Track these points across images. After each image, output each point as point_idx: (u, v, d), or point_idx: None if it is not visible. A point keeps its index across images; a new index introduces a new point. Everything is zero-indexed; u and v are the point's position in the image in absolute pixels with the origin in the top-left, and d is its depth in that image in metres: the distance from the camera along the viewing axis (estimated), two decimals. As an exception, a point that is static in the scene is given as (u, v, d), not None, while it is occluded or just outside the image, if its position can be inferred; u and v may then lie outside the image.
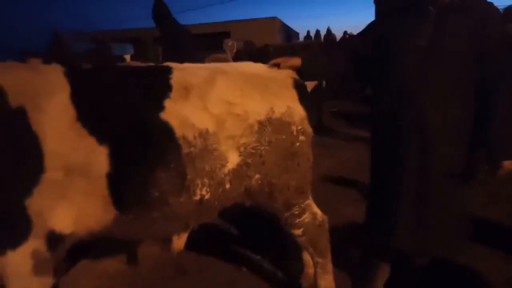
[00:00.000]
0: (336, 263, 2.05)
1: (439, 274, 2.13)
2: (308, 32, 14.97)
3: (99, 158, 1.37)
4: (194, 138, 1.51)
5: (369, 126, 2.02)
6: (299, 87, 1.78)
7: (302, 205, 1.80)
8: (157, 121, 1.46)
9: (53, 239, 1.34)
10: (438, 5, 1.70)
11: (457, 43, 1.66)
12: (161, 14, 3.69)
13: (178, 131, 1.48)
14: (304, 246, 1.92)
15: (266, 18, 22.96)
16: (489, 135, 1.68)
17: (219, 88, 1.59)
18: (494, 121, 1.67)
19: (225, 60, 5.39)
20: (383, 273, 2.02)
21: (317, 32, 14.09)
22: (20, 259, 1.29)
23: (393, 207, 1.81)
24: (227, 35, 23.15)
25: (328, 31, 11.70)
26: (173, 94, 1.52)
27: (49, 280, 1.39)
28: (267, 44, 11.40)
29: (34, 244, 1.30)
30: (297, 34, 25.96)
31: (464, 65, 1.67)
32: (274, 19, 23.22)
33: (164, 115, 1.47)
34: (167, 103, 1.49)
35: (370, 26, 1.95)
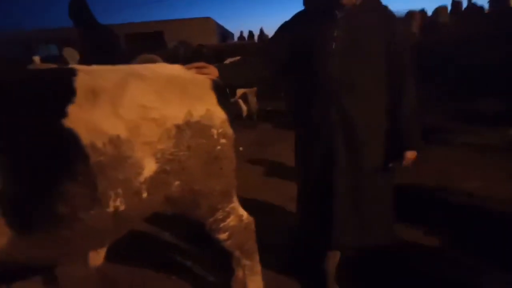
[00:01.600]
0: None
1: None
2: (241, 32, 15.07)
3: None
4: (104, 145, 1.39)
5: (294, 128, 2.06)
6: (218, 89, 1.74)
7: (226, 208, 1.76)
8: (60, 128, 1.33)
9: None
10: (343, 9, 1.78)
11: (368, 42, 1.78)
12: (79, 12, 3.43)
13: (85, 139, 1.36)
14: (230, 250, 1.89)
15: (200, 18, 22.75)
16: (396, 126, 1.80)
17: (132, 92, 1.49)
18: (400, 112, 1.82)
19: (155, 61, 5.19)
20: (332, 258, 2.09)
21: (250, 32, 14.22)
22: None
23: (326, 206, 1.87)
24: (160, 34, 22.57)
25: (261, 31, 11.86)
26: (78, 98, 1.39)
27: None
28: (201, 44, 11.25)
29: None
30: (232, 34, 26.04)
31: (377, 62, 1.79)
32: (208, 19, 23.08)
33: (68, 122, 1.34)
34: (71, 108, 1.36)
35: (282, 30, 1.98)
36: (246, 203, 1.95)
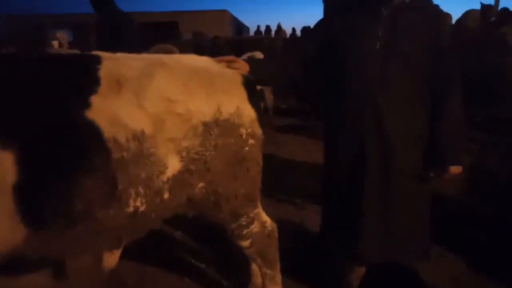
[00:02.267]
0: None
1: (383, 274, 2.11)
2: (258, 27, 14.84)
3: (3, 165, 1.11)
4: (127, 140, 1.28)
5: (324, 132, 1.93)
6: (249, 86, 1.61)
7: (250, 214, 1.65)
8: (81, 120, 1.22)
9: None
10: (390, 6, 1.64)
11: (412, 44, 1.64)
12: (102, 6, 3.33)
13: (107, 133, 1.25)
14: (251, 258, 1.77)
15: (216, 10, 22.58)
16: (438, 138, 1.67)
17: (158, 83, 1.38)
18: (443, 124, 1.67)
19: (171, 51, 5.08)
20: (357, 271, 1.97)
21: (267, 27, 14.02)
22: None
23: (354, 216, 1.74)
24: (175, 25, 22.46)
25: (279, 27, 11.68)
26: (102, 88, 1.28)
27: None
28: (217, 36, 11.10)
29: None
30: (247, 28, 25.86)
31: (420, 66, 1.64)
32: (224, 11, 22.89)
33: (90, 113, 1.24)
34: (94, 99, 1.26)
35: (317, 26, 1.85)
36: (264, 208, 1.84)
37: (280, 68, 1.85)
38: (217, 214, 1.59)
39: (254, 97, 1.63)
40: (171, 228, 2.83)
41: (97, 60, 1.34)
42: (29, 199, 1.16)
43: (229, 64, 1.65)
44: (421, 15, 1.65)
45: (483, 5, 6.00)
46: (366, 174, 1.69)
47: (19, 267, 2.10)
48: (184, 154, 1.41)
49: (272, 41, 10.35)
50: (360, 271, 1.95)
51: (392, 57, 1.62)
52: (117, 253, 1.57)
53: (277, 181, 3.91)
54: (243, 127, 1.53)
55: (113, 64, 1.36)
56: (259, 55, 5.53)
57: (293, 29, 11.88)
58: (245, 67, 1.68)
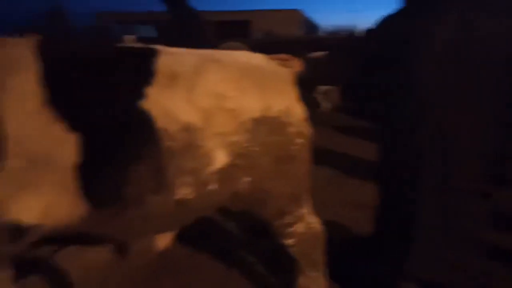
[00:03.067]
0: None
1: None
2: (331, 27, 14.55)
3: (68, 146, 1.23)
4: (177, 131, 1.35)
5: (377, 138, 1.84)
6: (301, 84, 1.60)
7: (296, 213, 1.63)
8: (136, 109, 1.30)
9: (16, 229, 1.21)
10: (462, 7, 1.50)
11: (485, 52, 1.47)
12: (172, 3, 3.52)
13: (159, 123, 1.32)
14: (296, 257, 1.76)
15: (288, 9, 22.61)
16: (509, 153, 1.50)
17: (210, 78, 1.42)
18: None
19: (240, 49, 5.20)
20: None
21: (341, 28, 13.71)
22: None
23: (407, 230, 1.64)
24: (247, 24, 22.95)
25: (352, 27, 11.35)
26: (157, 80, 1.36)
27: (7, 273, 1.27)
28: (289, 35, 11.14)
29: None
30: (320, 28, 25.53)
31: (493, 74, 1.48)
32: (296, 11, 22.84)
33: (145, 104, 1.31)
34: (150, 90, 1.33)
35: (380, 26, 1.76)
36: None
37: (338, 69, 1.80)
38: (261, 210, 1.60)
39: (306, 96, 1.61)
40: (224, 219, 2.91)
41: (155, 54, 1.42)
42: (88, 179, 1.27)
43: (283, 62, 1.65)
44: (500, 21, 1.47)
45: None
46: (424, 187, 1.58)
47: (83, 242, 2.32)
48: (231, 148, 1.44)
49: (343, 41, 10.09)
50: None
51: (462, 62, 1.48)
52: (168, 238, 1.65)
53: (330, 182, 3.83)
54: (291, 126, 1.52)
55: (169, 58, 1.43)
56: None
57: (352, 27, 11.35)
58: (299, 66, 1.66)
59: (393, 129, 1.69)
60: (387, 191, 1.76)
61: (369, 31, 1.83)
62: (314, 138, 1.66)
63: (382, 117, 1.83)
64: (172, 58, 1.44)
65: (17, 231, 1.23)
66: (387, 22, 1.75)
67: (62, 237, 1.53)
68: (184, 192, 1.40)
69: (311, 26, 24.09)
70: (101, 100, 1.29)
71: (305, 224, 1.67)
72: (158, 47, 1.50)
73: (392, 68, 1.67)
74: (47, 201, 1.25)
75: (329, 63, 1.86)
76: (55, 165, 1.22)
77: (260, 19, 22.11)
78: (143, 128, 1.31)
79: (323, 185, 3.69)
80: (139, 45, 1.82)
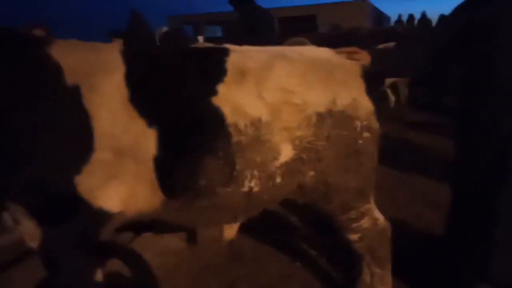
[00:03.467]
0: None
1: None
2: (400, 16, 13.74)
3: (148, 140, 1.36)
4: (246, 126, 1.42)
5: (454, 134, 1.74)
6: (368, 77, 1.58)
7: (361, 209, 1.62)
8: (209, 106, 1.40)
9: (101, 216, 1.37)
10: None
11: None
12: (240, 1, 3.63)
13: (229, 118, 1.40)
14: (361, 253, 1.74)
15: (354, 1, 21.83)
16: None
17: (277, 74, 1.47)
18: None
19: (304, 44, 5.19)
20: None
21: (410, 16, 12.86)
22: (68, 234, 1.34)
23: (488, 229, 1.55)
24: (313, 18, 22.62)
25: (423, 15, 10.61)
26: (227, 78, 1.44)
27: (95, 257, 1.44)
28: (355, 27, 10.78)
29: (82, 221, 1.34)
30: (388, 18, 24.33)
31: None
32: (363, 1, 21.98)
33: (216, 100, 1.40)
34: (221, 87, 1.42)
35: (455, 14, 1.63)
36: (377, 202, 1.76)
37: (407, 60, 1.72)
38: (326, 204, 1.61)
39: (373, 89, 1.59)
40: (289, 212, 2.96)
41: (225, 53, 1.50)
42: (165, 171, 1.39)
43: (349, 55, 1.63)
44: None
45: None
46: (505, 187, 1.47)
47: (159, 230, 2.52)
48: (297, 142, 1.47)
49: (413, 31, 9.53)
50: None
51: None
52: (235, 228, 1.74)
53: (401, 179, 3.67)
54: (358, 120, 1.51)
55: (239, 56, 1.51)
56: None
57: (424, 16, 10.45)
58: (366, 58, 1.63)
59: (474, 124, 1.58)
60: (466, 191, 1.66)
61: (443, 19, 1.73)
62: (382, 133, 1.63)
63: (460, 112, 1.72)
64: (241, 56, 1.51)
65: (104, 217, 1.40)
66: (466, 10, 1.64)
67: (140, 224, 1.70)
68: (251, 184, 1.47)
69: (379, 17, 23.04)
70: (177, 98, 1.40)
71: (370, 220, 1.65)
72: (229, 46, 1.59)
73: (473, 58, 1.56)
74: (129, 191, 1.40)
75: (398, 54, 1.77)
76: (136, 158, 1.36)
77: (326, 13, 21.65)
78: (215, 124, 1.40)
79: (392, 182, 3.57)
80: (211, 45, 1.92)
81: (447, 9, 1.67)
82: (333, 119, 1.48)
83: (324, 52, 1.65)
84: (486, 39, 1.50)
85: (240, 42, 1.68)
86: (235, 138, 1.41)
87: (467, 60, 1.60)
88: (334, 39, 9.61)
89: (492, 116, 1.49)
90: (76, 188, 1.28)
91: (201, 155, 1.40)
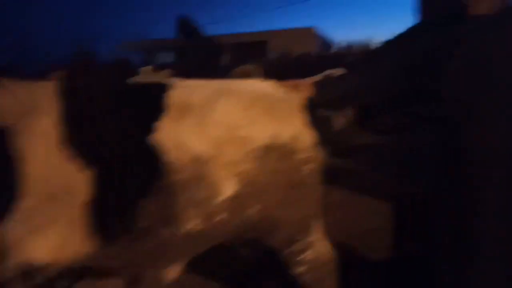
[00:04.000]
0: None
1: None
2: (345, 42, 14.62)
3: (81, 183, 1.28)
4: (187, 163, 1.38)
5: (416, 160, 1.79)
6: (311, 109, 1.62)
7: (305, 240, 1.62)
8: (147, 144, 1.35)
9: (29, 269, 1.25)
10: (471, 22, 1.47)
11: (500, 69, 1.39)
12: (183, 26, 3.66)
13: (170, 156, 1.36)
14: (309, 285, 1.74)
15: (303, 28, 22.88)
16: None
17: (221, 109, 1.47)
18: None
19: (252, 72, 5.30)
20: None
21: (355, 43, 13.76)
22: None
23: (470, 257, 1.54)
24: (263, 44, 23.29)
25: (366, 42, 11.37)
26: (167, 114, 1.41)
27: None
28: (304, 53, 11.26)
29: (7, 273, 1.22)
30: (336, 44, 25.62)
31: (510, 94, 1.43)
32: (310, 29, 23.08)
33: (155, 138, 1.36)
34: (160, 124, 1.38)
35: (391, 43, 1.73)
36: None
37: (354, 91, 1.74)
38: (272, 238, 1.60)
39: (316, 121, 1.62)
40: (239, 245, 2.90)
41: (166, 88, 1.48)
42: (100, 214, 1.31)
43: (293, 88, 1.67)
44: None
45: None
46: (484, 211, 1.46)
47: (97, 275, 2.35)
48: (240, 177, 1.46)
49: (357, 56, 10.11)
50: None
51: (473, 81, 1.37)
52: (179, 268, 1.67)
53: (350, 202, 3.77)
54: (300, 152, 1.53)
55: (181, 91, 1.49)
56: (339, 72, 5.44)
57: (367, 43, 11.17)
58: (310, 90, 1.68)
59: (437, 152, 1.61)
60: (443, 213, 1.67)
61: (381, 48, 1.80)
62: (328, 159, 1.65)
63: (407, 130, 1.77)
64: (183, 91, 1.49)
65: (29, 271, 1.27)
66: (398, 40, 1.71)
67: (76, 272, 1.57)
68: (193, 223, 1.42)
69: (326, 43, 24.22)
70: (112, 137, 1.34)
71: (315, 251, 1.66)
72: (171, 80, 1.56)
73: (408, 86, 1.63)
74: (61, 238, 1.29)
75: (340, 84, 1.81)
76: (70, 202, 1.27)
77: (276, 39, 22.42)
78: (154, 162, 1.35)
79: (340, 205, 3.65)
80: (153, 79, 1.90)
81: (389, 35, 1.74)
82: (277, 152, 1.49)
83: (267, 86, 1.67)
84: (418, 70, 1.58)
85: (190, 71, 1.67)
86: (175, 176, 1.37)
87: (405, 88, 1.67)
88: (284, 65, 9.97)
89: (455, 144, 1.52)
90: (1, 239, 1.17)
91: (139, 196, 1.34)
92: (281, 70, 8.88)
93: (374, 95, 1.86)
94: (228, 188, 1.45)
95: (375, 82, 1.70)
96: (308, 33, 23.51)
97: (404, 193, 1.83)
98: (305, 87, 1.68)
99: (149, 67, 5.10)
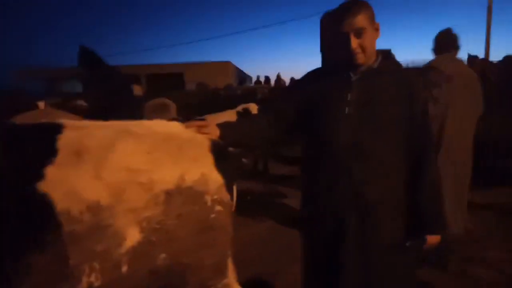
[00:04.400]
0: None
1: None
2: (258, 77, 15.28)
3: None
4: (81, 213, 1.25)
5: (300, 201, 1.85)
6: (218, 150, 1.59)
7: (218, 285, 1.56)
8: (34, 192, 1.19)
9: None
10: (359, 71, 1.62)
11: (385, 109, 1.58)
12: (84, 55, 3.47)
13: (60, 205, 1.22)
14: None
15: (219, 61, 23.46)
16: (417, 208, 1.60)
17: (120, 152, 1.36)
18: (421, 193, 1.59)
19: (167, 106, 5.18)
20: None
21: (267, 78, 14.42)
22: None
23: (333, 285, 1.64)
24: (181, 76, 23.27)
25: (278, 77, 12.00)
26: (59, 159, 1.27)
27: None
28: (218, 87, 11.46)
29: None
30: (250, 78, 26.65)
31: (394, 132, 1.59)
32: (227, 63, 23.78)
33: (44, 186, 1.21)
34: (50, 170, 1.24)
35: (292, 87, 1.86)
36: (249, 261, 1.73)
37: (258, 132, 1.79)
38: (182, 286, 1.50)
39: (224, 162, 1.60)
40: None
41: (58, 130, 1.34)
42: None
43: (199, 129, 1.64)
44: (391, 80, 1.61)
45: (469, 55, 6.20)
46: (344, 250, 1.60)
47: None
48: (144, 224, 1.36)
49: (270, 90, 10.59)
50: None
51: (364, 123, 1.57)
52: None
53: (270, 236, 3.80)
54: (208, 194, 1.49)
55: (75, 133, 1.36)
56: (253, 107, 5.61)
57: (291, 79, 11.84)
58: (215, 132, 1.67)
59: (313, 192, 1.70)
60: (310, 257, 1.75)
61: (283, 92, 1.91)
62: (243, 190, 1.63)
63: (303, 178, 1.85)
64: (78, 133, 1.36)
65: None
66: (298, 84, 1.83)
67: None
68: (91, 279, 1.27)
69: (242, 76, 25.07)
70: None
71: (231, 295, 1.60)
72: (65, 121, 1.42)
73: (307, 128, 1.73)
74: None
75: (246, 125, 1.84)
76: None
77: (194, 71, 22.61)
78: (42, 213, 1.19)
79: (258, 240, 3.65)
80: (44, 120, 1.72)
81: (300, 72, 1.83)
82: (183, 196, 1.43)
83: (174, 126, 1.62)
84: (310, 115, 1.68)
85: (97, 104, 1.55)
86: (67, 228, 1.22)
87: (305, 130, 1.76)
88: (200, 97, 9.99)
89: (326, 183, 1.64)
90: None
91: (29, 251, 1.16)
92: (197, 103, 8.90)
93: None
94: (130, 237, 1.34)
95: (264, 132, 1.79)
96: (225, 66, 24.15)
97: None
98: (211, 129, 1.66)
99: (42, 103, 4.68)
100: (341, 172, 1.59)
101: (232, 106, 5.79)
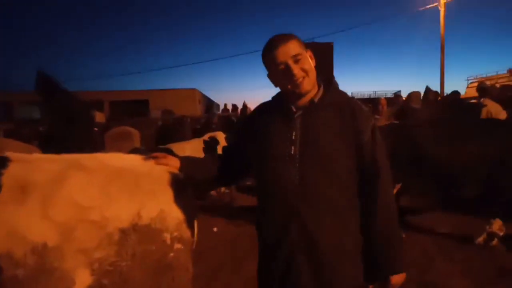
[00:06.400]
0: None
1: None
2: (225, 105, 15.38)
3: None
4: (25, 255, 1.14)
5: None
6: (177, 184, 1.53)
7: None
8: None
9: None
10: (301, 104, 1.54)
11: (331, 145, 1.48)
12: (40, 82, 3.34)
13: (1, 247, 1.11)
14: None
15: (186, 88, 23.39)
16: (373, 247, 1.52)
17: (70, 188, 1.27)
18: (376, 232, 1.51)
19: (129, 133, 5.04)
20: None
21: (234, 105, 14.54)
22: None
23: None
24: (145, 102, 22.94)
25: (244, 105, 12.11)
26: (1, 195, 1.17)
27: None
28: (184, 115, 11.36)
29: None
30: (217, 105, 26.72)
31: (343, 167, 1.49)
32: (194, 90, 23.76)
33: None
34: None
35: (243, 124, 1.80)
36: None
37: (213, 171, 1.71)
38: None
39: (184, 197, 1.54)
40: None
41: (2, 163, 1.24)
42: None
43: (158, 161, 1.56)
44: (335, 113, 1.52)
45: (427, 87, 6.62)
46: None
47: None
48: (96, 266, 1.26)
49: (236, 118, 10.63)
50: None
51: (309, 163, 1.47)
52: None
53: (236, 266, 3.68)
54: (166, 232, 1.41)
55: (21, 167, 1.26)
56: (220, 135, 5.57)
57: (245, 106, 11.83)
58: (175, 164, 1.59)
59: (265, 237, 1.61)
60: None
61: (236, 130, 1.86)
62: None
63: (257, 221, 1.77)
64: (24, 167, 1.27)
65: None
66: (248, 121, 1.77)
67: None
68: (34, 329, 1.15)
69: (208, 103, 25.06)
70: None
71: None
72: (11, 155, 1.32)
73: (255, 169, 1.64)
74: None
75: (206, 162, 1.77)
76: None
77: (158, 98, 22.37)
78: None
79: (226, 270, 3.53)
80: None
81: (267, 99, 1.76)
82: (138, 234, 1.34)
83: (130, 159, 1.54)
84: (262, 153, 1.59)
85: (52, 132, 1.45)
86: (8, 272, 1.11)
87: (254, 171, 1.67)
88: (165, 124, 9.85)
89: (276, 227, 1.51)
90: None
91: None
92: (161, 131, 8.75)
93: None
94: (80, 281, 1.23)
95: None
96: (191, 93, 24.09)
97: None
98: (170, 162, 1.58)
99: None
100: (290, 217, 1.47)
101: (198, 135, 5.72)
